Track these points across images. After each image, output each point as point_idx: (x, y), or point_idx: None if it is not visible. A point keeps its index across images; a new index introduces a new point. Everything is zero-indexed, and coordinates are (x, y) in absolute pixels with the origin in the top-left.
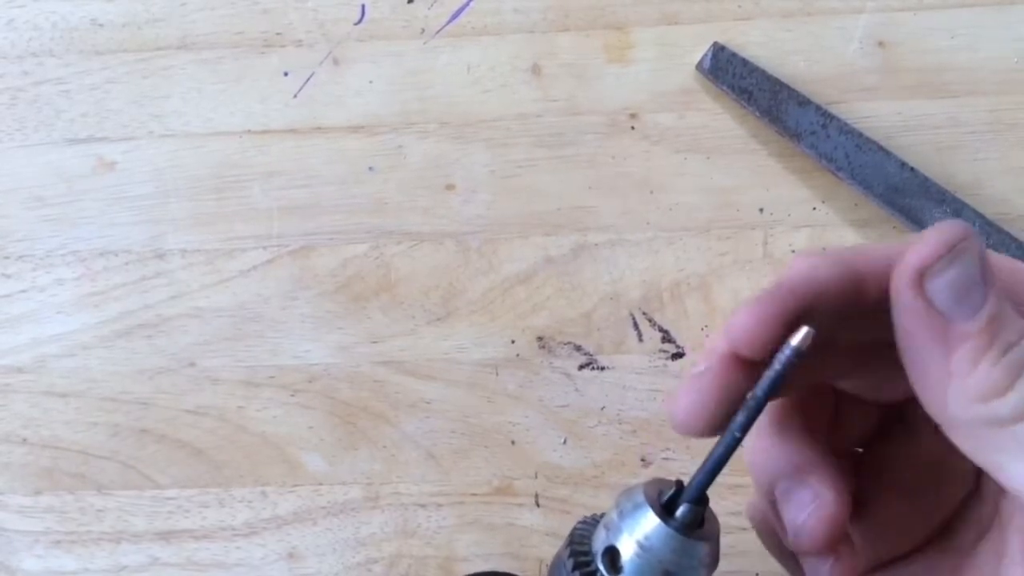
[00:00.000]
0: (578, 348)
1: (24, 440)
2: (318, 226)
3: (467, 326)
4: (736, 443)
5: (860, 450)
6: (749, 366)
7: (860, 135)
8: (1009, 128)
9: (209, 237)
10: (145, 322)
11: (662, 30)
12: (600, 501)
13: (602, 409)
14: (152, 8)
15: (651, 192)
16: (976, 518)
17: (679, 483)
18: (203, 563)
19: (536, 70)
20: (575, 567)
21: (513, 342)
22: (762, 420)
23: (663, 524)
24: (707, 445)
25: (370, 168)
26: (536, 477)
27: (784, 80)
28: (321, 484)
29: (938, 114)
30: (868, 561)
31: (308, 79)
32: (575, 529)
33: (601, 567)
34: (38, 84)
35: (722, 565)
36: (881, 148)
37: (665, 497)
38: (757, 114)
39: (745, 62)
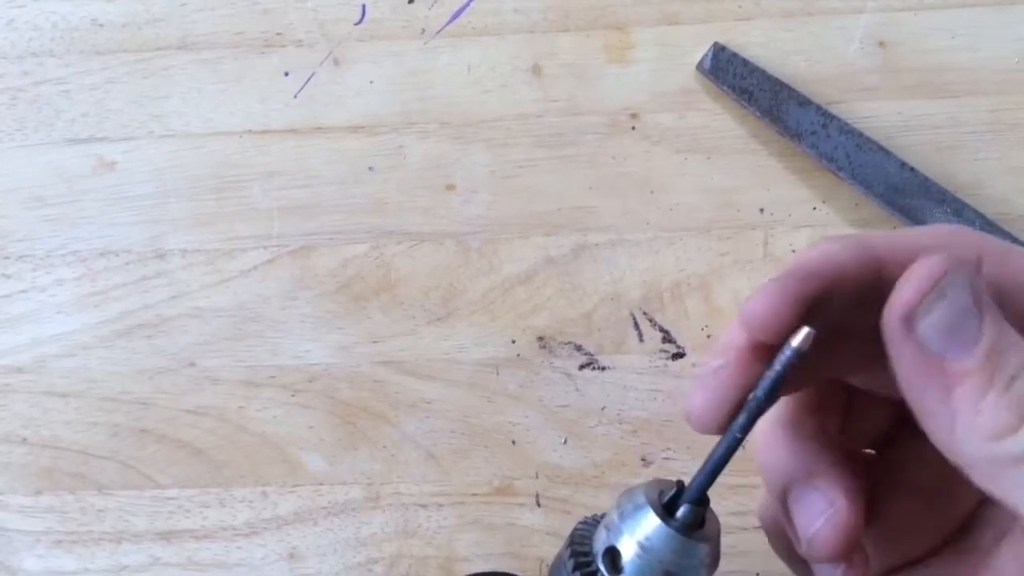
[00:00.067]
0: (579, 348)
1: (24, 440)
2: (318, 226)
3: (467, 326)
4: (737, 444)
5: (873, 452)
6: (765, 361)
7: (860, 135)
8: (1009, 128)
9: (209, 237)
10: (145, 322)
11: (662, 30)
12: (601, 501)
13: (603, 409)
14: (152, 8)
15: (651, 192)
16: (994, 519)
17: (680, 483)
18: (204, 563)
19: (536, 70)
20: (576, 567)
21: (514, 342)
22: (775, 421)
23: (664, 525)
24: (708, 445)
25: (370, 168)
26: (537, 477)
27: (784, 80)
28: (321, 484)
29: (938, 114)
30: (881, 565)
31: (308, 79)
32: (576, 530)
33: (602, 567)
34: (38, 84)
35: (723, 565)
36: (881, 148)
37: (666, 498)
38: (757, 114)
39: (745, 62)
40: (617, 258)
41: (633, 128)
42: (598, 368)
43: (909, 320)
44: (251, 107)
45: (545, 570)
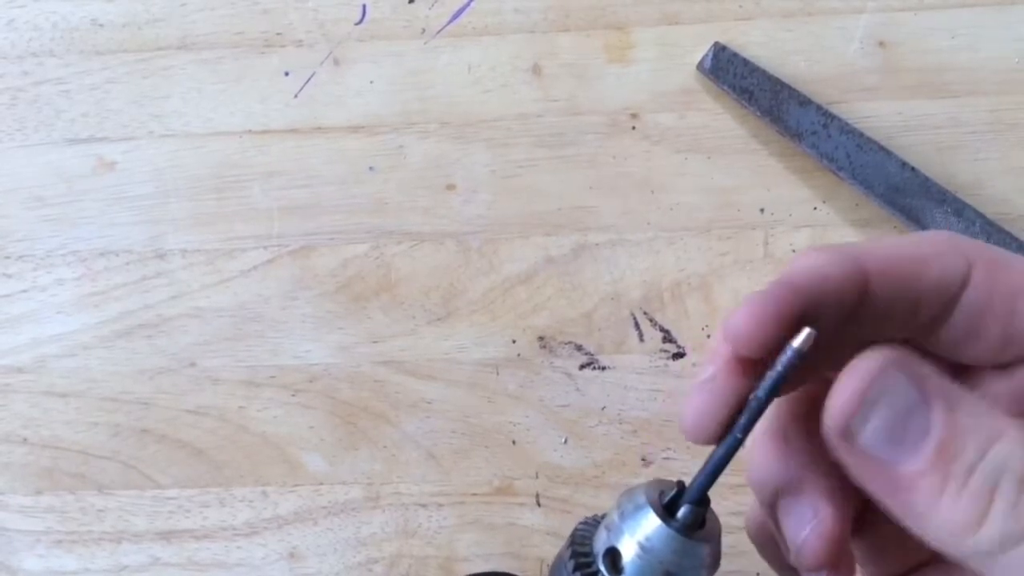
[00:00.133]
0: (579, 348)
1: (24, 440)
2: (318, 226)
3: (468, 326)
4: (738, 444)
5: None
6: (755, 368)
7: (861, 135)
8: (1010, 128)
9: (209, 237)
10: (145, 322)
11: (663, 30)
12: (601, 501)
13: (603, 409)
14: (152, 8)
15: (652, 192)
16: None
17: (680, 484)
18: (204, 563)
19: (537, 70)
20: (576, 568)
21: (514, 342)
22: (764, 430)
23: (664, 525)
24: (708, 446)
25: (371, 168)
26: (537, 477)
27: (785, 80)
28: (322, 484)
29: (939, 114)
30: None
31: (309, 79)
32: (576, 530)
33: (602, 568)
34: (38, 84)
35: (723, 565)
36: (882, 148)
37: (666, 498)
38: (758, 114)
39: (746, 62)
40: (617, 258)
41: (633, 128)
42: (598, 368)
43: (847, 433)
44: (251, 107)
45: (545, 570)
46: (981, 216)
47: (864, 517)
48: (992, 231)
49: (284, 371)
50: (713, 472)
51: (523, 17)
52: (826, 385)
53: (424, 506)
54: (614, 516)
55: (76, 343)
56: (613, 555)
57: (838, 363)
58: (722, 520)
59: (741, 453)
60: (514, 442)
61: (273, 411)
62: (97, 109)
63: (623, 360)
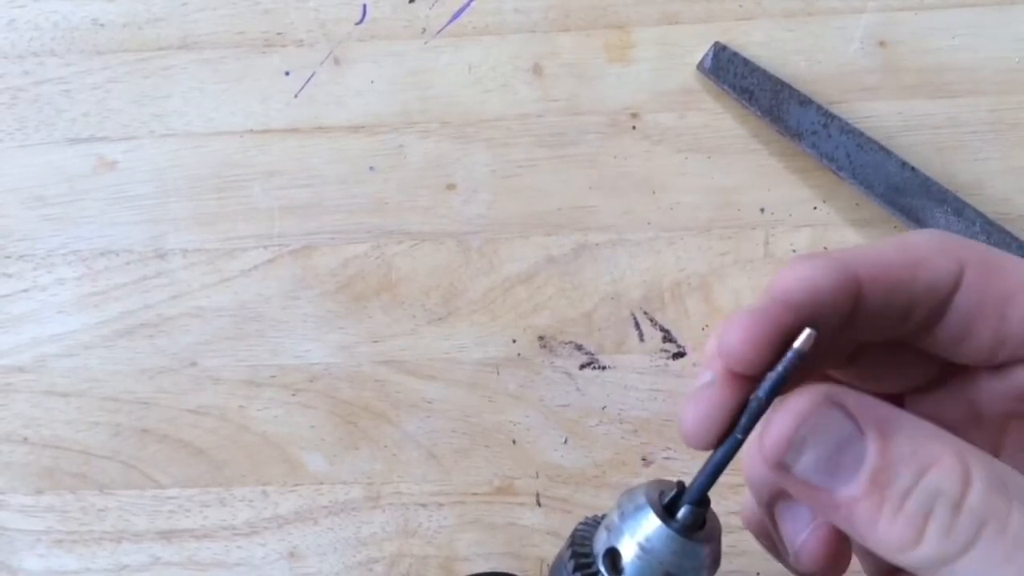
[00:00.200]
0: (579, 348)
1: (25, 440)
2: (319, 226)
3: (468, 326)
4: (738, 445)
5: None
6: (750, 379)
7: (861, 135)
8: (1010, 128)
9: (210, 237)
10: (146, 322)
11: (663, 30)
12: (601, 501)
13: (603, 409)
14: (153, 8)
15: (652, 192)
16: None
17: (680, 484)
18: (204, 562)
19: (537, 70)
20: (576, 568)
21: (514, 342)
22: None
23: (664, 526)
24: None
25: (371, 168)
26: (537, 477)
27: (785, 80)
28: (322, 483)
29: (939, 114)
30: (880, 565)
31: (309, 79)
32: (576, 530)
33: (602, 568)
34: (39, 84)
35: (723, 565)
36: (882, 148)
37: (666, 498)
38: (758, 114)
39: (746, 62)
40: (618, 258)
41: (634, 128)
42: (599, 368)
43: (782, 466)
44: (252, 107)
45: (545, 570)
46: (981, 216)
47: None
48: (992, 231)
49: (285, 371)
50: (713, 473)
51: (523, 17)
52: (825, 380)
53: (424, 506)
54: (614, 516)
55: (77, 343)
56: (613, 555)
57: (837, 362)
58: (722, 520)
59: (740, 453)
60: (514, 442)
61: (274, 411)
62: (98, 109)
63: (623, 360)
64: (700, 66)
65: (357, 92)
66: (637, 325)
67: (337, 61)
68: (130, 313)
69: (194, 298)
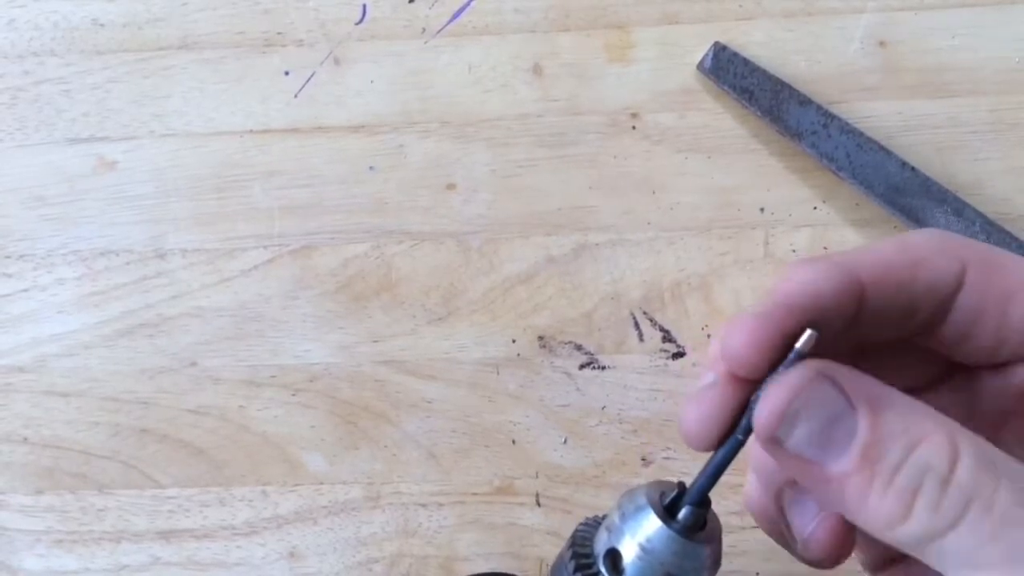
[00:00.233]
0: (579, 348)
1: (25, 439)
2: (319, 226)
3: (468, 326)
4: (739, 446)
5: None
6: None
7: (861, 135)
8: (1010, 128)
9: (210, 237)
10: (146, 322)
11: (663, 30)
12: (601, 501)
13: (603, 409)
14: (153, 8)
15: (652, 192)
16: None
17: (681, 485)
18: (204, 562)
19: (537, 70)
20: (577, 569)
21: (514, 342)
22: None
23: (665, 526)
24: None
25: (371, 168)
26: (537, 477)
27: (785, 80)
28: (322, 483)
29: (939, 114)
30: (875, 556)
31: (309, 79)
32: (577, 531)
33: (603, 569)
34: (39, 84)
35: (723, 565)
36: (882, 148)
37: (667, 499)
38: (758, 114)
39: (746, 62)
40: (618, 258)
41: (634, 128)
42: (598, 368)
43: (775, 441)
44: (252, 107)
45: (546, 570)
46: (981, 216)
47: None
48: (992, 231)
49: (285, 371)
50: (714, 473)
51: (523, 17)
52: None
53: (424, 506)
54: (615, 517)
55: (77, 342)
56: (614, 556)
57: (839, 361)
58: (722, 520)
59: (742, 452)
60: (514, 442)
61: (273, 411)
62: (98, 109)
63: (623, 360)
64: (700, 66)
65: (357, 92)
66: (637, 325)
67: (337, 61)
68: (130, 313)
69: (194, 298)
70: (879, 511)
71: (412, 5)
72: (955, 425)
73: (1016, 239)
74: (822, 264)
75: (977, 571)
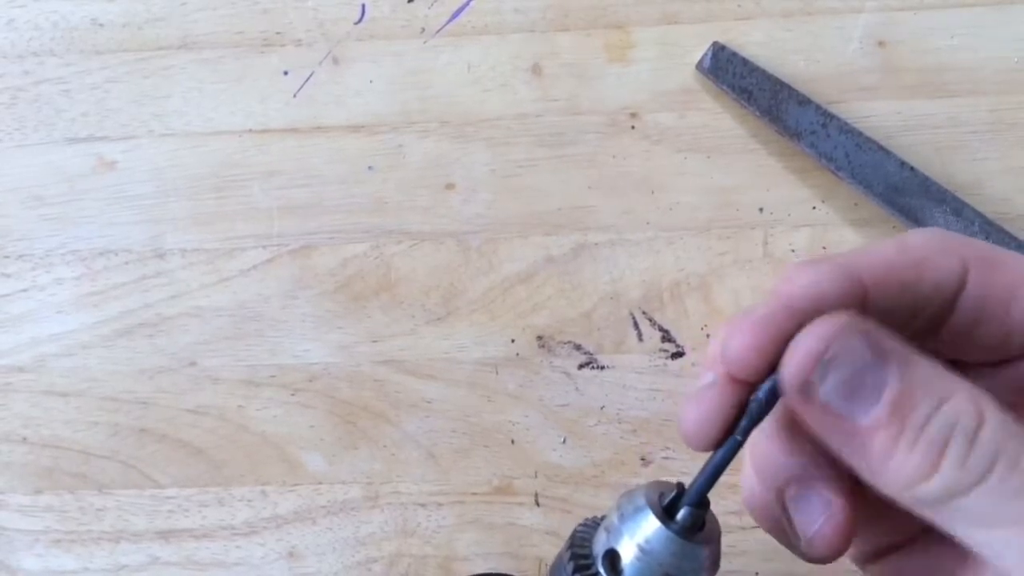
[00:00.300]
0: (578, 347)
1: (24, 439)
2: (318, 225)
3: (467, 325)
4: (738, 447)
5: None
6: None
7: (860, 134)
8: (1009, 128)
9: (209, 236)
10: (145, 321)
11: (663, 30)
12: (600, 500)
13: (602, 408)
14: (152, 8)
15: (651, 192)
16: None
17: (680, 486)
18: (203, 562)
19: (536, 70)
20: (576, 570)
21: (513, 341)
22: (768, 420)
23: (664, 527)
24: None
25: (370, 167)
26: (536, 476)
27: (784, 80)
28: (321, 483)
29: (938, 114)
30: (867, 548)
31: (308, 78)
32: (575, 531)
33: (601, 570)
34: (38, 83)
35: (722, 565)
36: (881, 148)
37: (666, 500)
38: (757, 114)
39: (745, 62)
40: (617, 258)
41: (633, 127)
42: (597, 367)
43: (806, 391)
44: (251, 106)
45: (544, 570)
46: (980, 216)
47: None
48: (991, 231)
49: (284, 370)
50: (713, 474)
51: (523, 16)
52: None
53: (423, 505)
54: (613, 518)
55: (76, 342)
56: (612, 557)
57: None
58: (721, 519)
59: (740, 453)
60: (513, 441)
61: (273, 410)
62: (97, 108)
63: (622, 360)
64: (699, 66)
65: (356, 92)
66: (636, 325)
67: (336, 61)
68: (129, 313)
69: (193, 298)
70: (904, 467)
71: (411, 5)
72: (977, 388)
73: (1015, 239)
74: (824, 266)
75: (994, 530)
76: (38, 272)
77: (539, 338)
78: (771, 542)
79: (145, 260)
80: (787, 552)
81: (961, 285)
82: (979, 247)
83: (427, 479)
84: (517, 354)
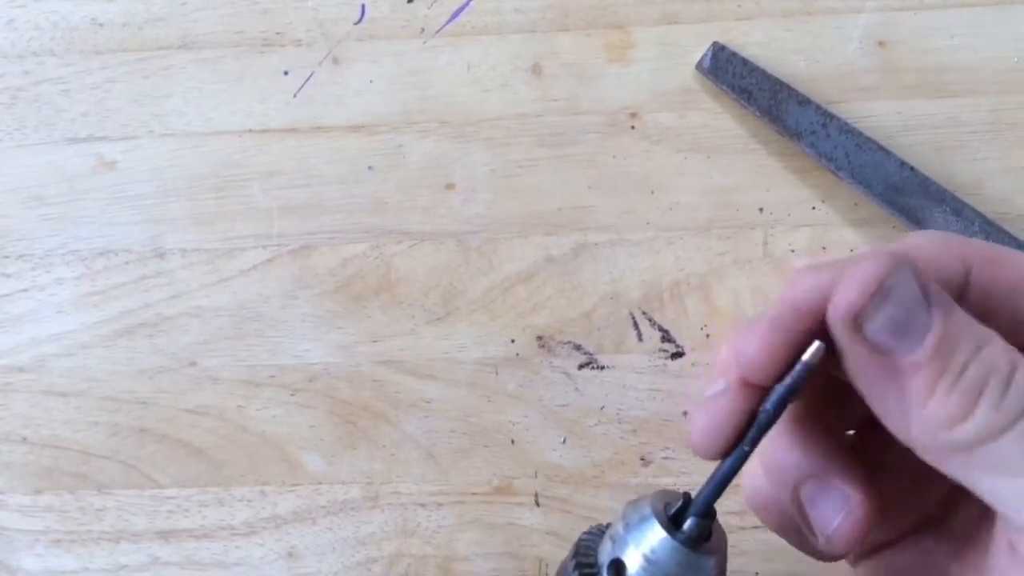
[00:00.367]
0: (578, 347)
1: (24, 439)
2: (318, 225)
3: (467, 325)
4: (745, 457)
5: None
6: (762, 389)
7: (860, 134)
8: (1009, 128)
9: (209, 236)
10: (145, 321)
11: (663, 30)
12: (600, 501)
13: (602, 408)
14: (152, 8)
15: (651, 192)
16: (976, 500)
17: (686, 495)
18: (203, 562)
19: (536, 70)
20: None
21: (513, 341)
22: (782, 418)
23: (670, 537)
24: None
25: (370, 167)
26: (536, 476)
27: (784, 80)
28: (321, 483)
29: (938, 114)
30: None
31: (308, 78)
32: (580, 540)
33: None
34: (38, 83)
35: None
36: (881, 148)
37: (672, 510)
38: (757, 114)
39: (745, 62)
40: (617, 258)
41: (633, 127)
42: (597, 367)
43: (856, 322)
44: (251, 106)
45: (545, 570)
46: (980, 216)
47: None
48: (991, 230)
49: (283, 370)
50: (720, 485)
51: (523, 17)
52: (836, 381)
53: (423, 505)
54: (619, 527)
55: (76, 342)
56: (618, 567)
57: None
58: (721, 519)
59: (754, 451)
60: (513, 441)
61: (272, 410)
62: (97, 108)
63: (622, 360)
64: (699, 66)
65: (356, 92)
66: (636, 325)
67: (336, 61)
68: (129, 313)
69: (193, 298)
70: (941, 408)
71: (411, 5)
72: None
73: (1015, 239)
74: (830, 268)
75: (1019, 478)
76: (38, 272)
77: (539, 338)
78: (771, 542)
79: (145, 260)
80: (788, 552)
81: (964, 284)
82: (980, 246)
83: (427, 479)
84: (517, 354)
